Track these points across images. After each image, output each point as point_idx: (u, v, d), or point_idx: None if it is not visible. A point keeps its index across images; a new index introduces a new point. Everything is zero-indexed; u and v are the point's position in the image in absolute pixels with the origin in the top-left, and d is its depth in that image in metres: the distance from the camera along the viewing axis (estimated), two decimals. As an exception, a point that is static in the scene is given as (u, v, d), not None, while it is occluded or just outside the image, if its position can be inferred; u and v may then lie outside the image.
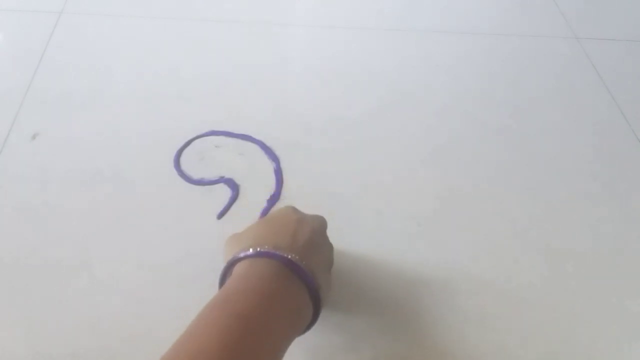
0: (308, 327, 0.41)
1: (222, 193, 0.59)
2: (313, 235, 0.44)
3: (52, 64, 0.72)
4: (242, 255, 0.40)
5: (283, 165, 0.62)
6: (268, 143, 0.64)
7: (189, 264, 0.52)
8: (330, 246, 0.48)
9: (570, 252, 0.57)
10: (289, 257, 0.39)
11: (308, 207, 0.58)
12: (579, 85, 0.77)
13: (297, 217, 0.45)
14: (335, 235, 0.51)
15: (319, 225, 0.47)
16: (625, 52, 0.83)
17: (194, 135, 0.64)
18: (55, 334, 0.47)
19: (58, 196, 0.57)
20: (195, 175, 0.60)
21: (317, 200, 0.59)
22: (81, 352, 0.46)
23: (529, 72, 0.78)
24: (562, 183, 0.63)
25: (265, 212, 0.57)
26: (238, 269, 0.41)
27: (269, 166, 0.62)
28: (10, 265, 0.51)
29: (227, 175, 0.60)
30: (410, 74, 0.76)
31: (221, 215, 0.57)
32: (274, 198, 0.58)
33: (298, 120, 0.67)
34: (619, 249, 0.57)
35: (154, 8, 0.82)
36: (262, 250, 0.40)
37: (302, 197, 0.59)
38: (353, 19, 0.84)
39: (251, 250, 0.40)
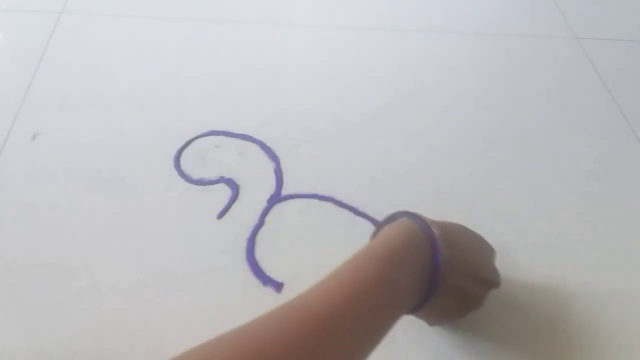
0: (413, 311, 0.42)
1: (222, 193, 0.59)
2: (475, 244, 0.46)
3: (52, 64, 0.72)
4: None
5: (283, 165, 0.62)
6: (268, 143, 0.64)
7: (189, 263, 0.52)
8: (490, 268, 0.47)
9: (570, 252, 0.57)
10: (436, 235, 0.41)
11: (308, 208, 0.58)
12: (579, 85, 0.77)
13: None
14: (333, 236, 0.51)
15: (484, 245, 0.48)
16: (625, 52, 0.83)
17: (194, 135, 0.64)
18: (55, 334, 0.47)
19: (58, 196, 0.57)
20: (195, 175, 0.60)
21: (316, 200, 0.59)
22: (81, 352, 0.46)
23: (529, 72, 0.78)
24: (562, 183, 0.63)
25: (265, 212, 0.57)
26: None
27: (269, 166, 0.62)
28: (11, 265, 0.51)
29: (227, 175, 0.60)
30: (410, 74, 0.76)
31: (221, 215, 0.57)
32: (274, 198, 0.58)
33: (298, 120, 0.67)
34: (619, 249, 0.57)
35: (154, 8, 0.82)
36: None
37: (301, 197, 0.59)
38: (353, 19, 0.84)
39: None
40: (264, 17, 0.83)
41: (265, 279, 0.52)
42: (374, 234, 0.46)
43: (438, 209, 0.59)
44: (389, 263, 0.37)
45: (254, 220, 0.56)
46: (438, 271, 0.40)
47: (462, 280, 0.42)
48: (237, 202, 0.58)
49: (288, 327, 0.31)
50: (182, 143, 0.63)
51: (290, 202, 0.58)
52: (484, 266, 0.46)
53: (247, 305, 0.50)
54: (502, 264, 0.55)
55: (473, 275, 0.43)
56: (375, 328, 0.35)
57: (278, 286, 0.51)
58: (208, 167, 0.61)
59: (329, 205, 0.58)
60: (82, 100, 0.67)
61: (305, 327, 0.31)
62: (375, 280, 0.36)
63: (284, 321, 0.32)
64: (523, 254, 0.56)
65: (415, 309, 0.42)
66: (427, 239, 0.41)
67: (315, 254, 0.54)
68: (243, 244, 0.54)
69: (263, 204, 0.58)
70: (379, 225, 0.46)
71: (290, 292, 0.51)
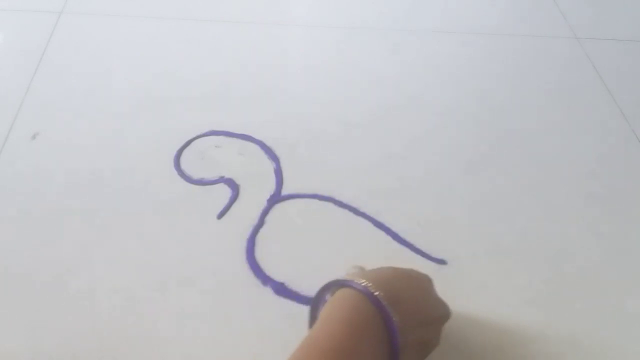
0: None
1: (222, 193, 0.59)
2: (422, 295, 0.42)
3: (52, 64, 0.72)
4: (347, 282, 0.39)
5: (283, 165, 0.62)
6: (268, 143, 0.64)
7: (189, 263, 0.52)
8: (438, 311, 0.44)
9: (570, 252, 0.57)
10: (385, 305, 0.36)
11: (308, 208, 0.58)
12: (579, 85, 0.77)
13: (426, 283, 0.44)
14: (333, 236, 0.51)
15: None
16: (625, 52, 0.83)
17: (194, 135, 0.64)
18: (55, 334, 0.47)
19: (58, 196, 0.57)
20: (195, 175, 0.60)
21: (316, 200, 0.59)
22: (81, 352, 0.46)
23: (529, 72, 0.78)
24: (562, 183, 0.63)
25: (265, 212, 0.57)
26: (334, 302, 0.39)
27: (269, 166, 0.62)
28: (11, 265, 0.51)
29: (227, 175, 0.60)
30: (410, 74, 0.76)
31: (221, 215, 0.57)
32: (274, 198, 0.58)
33: (298, 120, 0.67)
34: (618, 249, 0.57)
35: (154, 8, 0.82)
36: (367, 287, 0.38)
37: (302, 197, 0.59)
38: (353, 19, 0.84)
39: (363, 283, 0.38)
40: (264, 17, 0.82)
41: (265, 279, 0.52)
42: (311, 316, 0.42)
43: (438, 209, 0.59)
44: (336, 356, 0.34)
45: (254, 220, 0.56)
46: (396, 344, 0.36)
47: (418, 334, 0.39)
48: (237, 202, 0.58)
49: None
50: (182, 143, 0.63)
51: (290, 202, 0.58)
52: (431, 306, 0.43)
53: (247, 305, 0.50)
54: (502, 263, 0.55)
55: (425, 322, 0.40)
56: None
57: (278, 286, 0.51)
58: (208, 167, 0.61)
59: (329, 205, 0.58)
60: (82, 100, 0.67)
61: None
62: None
63: None
64: (523, 253, 0.56)
65: None
66: (375, 309, 0.36)
67: (315, 254, 0.54)
68: (243, 244, 0.54)
69: (263, 204, 0.58)
70: (314, 299, 0.42)
71: (290, 292, 0.51)
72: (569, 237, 0.58)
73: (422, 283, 0.44)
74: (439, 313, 0.43)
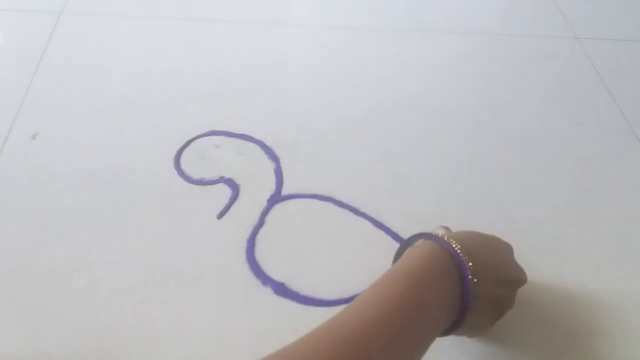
0: (449, 332, 0.41)
1: (222, 193, 0.59)
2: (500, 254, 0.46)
3: (52, 64, 0.72)
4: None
5: (283, 165, 0.62)
6: (268, 143, 0.64)
7: (189, 263, 0.52)
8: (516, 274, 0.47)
9: (570, 253, 0.57)
10: (459, 253, 0.40)
11: (308, 208, 0.58)
12: (579, 85, 0.77)
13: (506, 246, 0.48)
14: (333, 236, 0.51)
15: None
16: (625, 52, 0.83)
17: (194, 135, 0.64)
18: (55, 334, 0.47)
19: (58, 196, 0.57)
20: (195, 175, 0.60)
21: (316, 200, 0.59)
22: (81, 352, 0.46)
23: (529, 72, 0.78)
24: (562, 183, 0.63)
25: (265, 212, 0.57)
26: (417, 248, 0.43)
27: (269, 166, 0.62)
28: (11, 265, 0.51)
29: (227, 175, 0.60)
30: (410, 74, 0.76)
31: (221, 215, 0.57)
32: (274, 198, 0.58)
33: (298, 120, 0.67)
34: (619, 249, 0.57)
35: (154, 8, 0.82)
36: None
37: (302, 197, 0.59)
38: (353, 19, 0.84)
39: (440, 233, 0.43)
40: (264, 17, 0.83)
41: (265, 279, 0.52)
42: (395, 259, 0.46)
43: (438, 209, 0.60)
44: (414, 282, 0.38)
45: (254, 220, 0.56)
46: (467, 287, 0.39)
47: (491, 289, 0.42)
48: (237, 202, 0.58)
49: (321, 348, 0.33)
50: (182, 143, 0.63)
51: (290, 202, 0.58)
52: (507, 267, 0.46)
53: (247, 305, 0.50)
54: (502, 264, 0.55)
55: (500, 280, 0.43)
56: (408, 348, 0.36)
57: (278, 286, 0.51)
58: (208, 167, 0.61)
59: (329, 205, 0.59)
60: (82, 100, 0.67)
61: (337, 347, 0.33)
62: (402, 300, 0.36)
63: (317, 343, 0.34)
64: (523, 254, 0.56)
65: (452, 329, 0.41)
66: (450, 256, 0.40)
67: (315, 254, 0.54)
68: (243, 244, 0.54)
69: (263, 204, 0.58)
70: (397, 250, 0.47)
71: (290, 292, 0.51)
72: (568, 237, 0.58)
73: (502, 246, 0.47)
74: (514, 276, 0.46)
